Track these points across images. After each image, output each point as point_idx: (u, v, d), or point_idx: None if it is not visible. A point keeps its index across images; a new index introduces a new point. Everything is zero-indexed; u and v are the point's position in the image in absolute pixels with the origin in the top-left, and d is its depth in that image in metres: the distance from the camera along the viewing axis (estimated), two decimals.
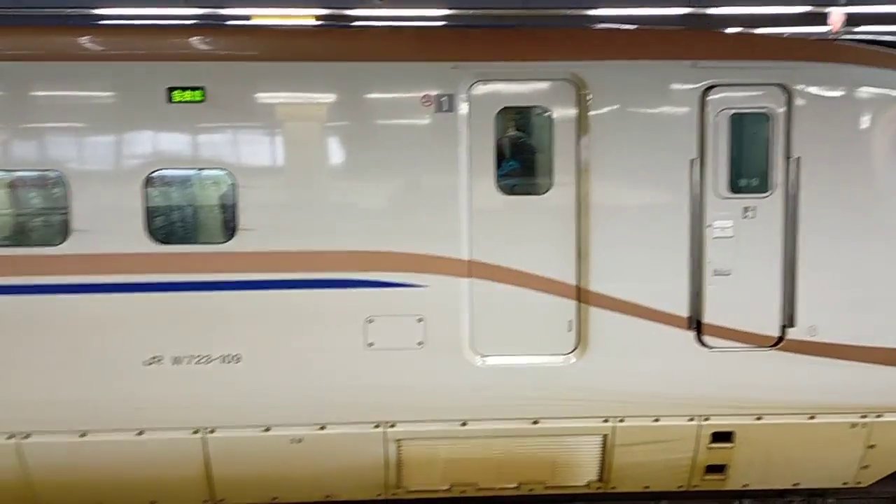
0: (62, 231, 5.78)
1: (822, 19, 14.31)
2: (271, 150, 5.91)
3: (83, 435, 6.04)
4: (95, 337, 5.87)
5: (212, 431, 6.10)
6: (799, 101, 5.92)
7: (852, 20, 13.73)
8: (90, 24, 6.36)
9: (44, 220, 5.96)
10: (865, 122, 6.00)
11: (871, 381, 6.19)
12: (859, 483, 6.68)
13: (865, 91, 6.00)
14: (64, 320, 5.84)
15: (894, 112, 6.02)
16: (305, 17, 11.16)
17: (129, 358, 5.90)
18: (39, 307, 5.81)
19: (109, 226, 5.78)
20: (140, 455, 6.10)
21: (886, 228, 6.05)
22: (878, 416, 6.33)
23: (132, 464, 6.12)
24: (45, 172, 5.84)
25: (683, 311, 6.08)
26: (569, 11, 11.35)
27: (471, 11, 11.11)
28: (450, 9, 11.11)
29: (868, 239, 6.05)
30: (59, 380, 5.91)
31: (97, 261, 5.80)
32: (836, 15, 13.11)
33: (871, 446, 6.43)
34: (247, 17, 11.12)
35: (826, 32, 13.83)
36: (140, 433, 6.06)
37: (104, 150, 5.80)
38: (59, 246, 5.77)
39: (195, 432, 6.10)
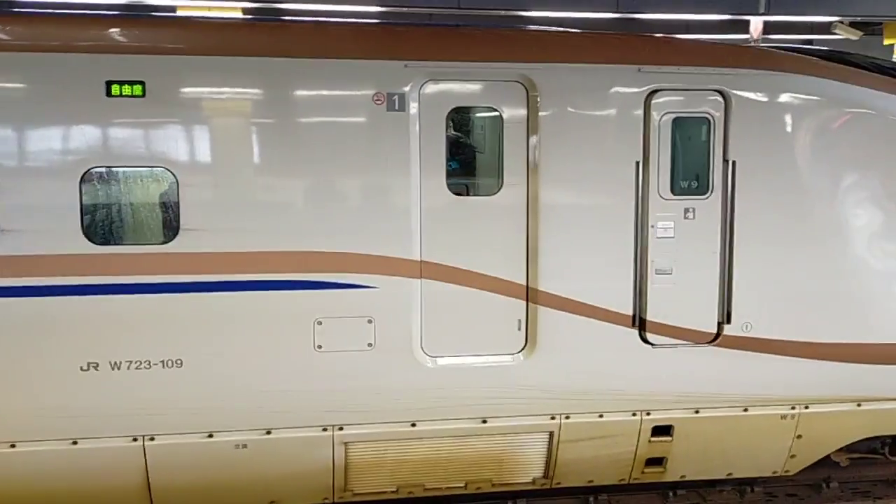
0: None
1: (743, 26, 14.97)
2: (215, 148, 5.72)
3: (12, 446, 5.71)
4: (27, 343, 5.55)
5: (151, 439, 5.87)
6: (735, 107, 6.16)
7: (770, 28, 14.43)
8: (11, 12, 5.96)
9: None
10: (796, 127, 6.28)
11: (800, 374, 6.50)
12: (787, 472, 7.01)
13: (796, 98, 6.28)
14: None
15: (823, 118, 6.33)
16: (233, 9, 10.89)
17: (63, 364, 5.61)
18: None
19: (42, 225, 5.48)
20: (74, 465, 5.81)
21: (815, 229, 6.36)
22: (806, 408, 6.66)
23: (66, 475, 5.82)
24: None
25: (628, 310, 6.23)
26: (501, 12, 11.50)
27: (403, 9, 11.11)
28: (381, 6, 11.06)
29: (798, 239, 6.34)
30: None
31: (28, 262, 5.48)
32: (756, 23, 13.78)
33: (799, 436, 6.75)
34: (172, 9, 10.77)
35: (747, 39, 14.47)
36: (74, 442, 5.78)
37: (37, 146, 5.49)
38: None
39: (133, 440, 5.85)
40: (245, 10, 11.38)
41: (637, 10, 12.39)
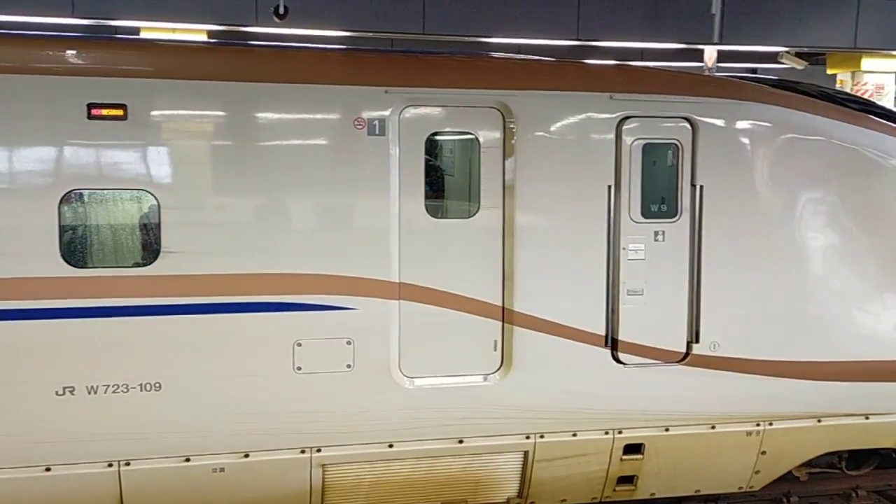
0: None
1: (695, 54, 15.50)
2: (196, 171, 5.73)
3: None
4: (2, 367, 5.45)
5: (127, 464, 5.80)
6: (702, 133, 6.40)
7: (720, 56, 14.97)
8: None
9: None
10: (758, 153, 6.56)
11: (764, 392, 6.73)
12: (752, 487, 7.21)
13: (758, 125, 6.56)
14: None
15: (782, 144, 6.62)
16: (198, 31, 10.88)
17: (38, 389, 5.52)
18: None
19: (19, 248, 5.41)
20: (47, 493, 5.70)
21: (778, 252, 6.62)
22: (770, 424, 6.89)
23: (38, 502, 5.70)
24: None
25: (601, 330, 6.38)
26: (465, 38, 11.73)
27: (368, 34, 11.25)
28: (347, 31, 11.18)
29: (762, 261, 6.59)
30: None
31: (5, 285, 5.40)
32: (711, 52, 14.29)
33: (763, 452, 6.97)
34: (136, 31, 10.71)
35: (701, 67, 14.98)
36: (47, 469, 5.67)
37: (15, 167, 5.43)
38: None
39: (109, 465, 5.77)
40: (210, 34, 11.38)
41: (595, 38, 12.74)
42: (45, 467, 5.66)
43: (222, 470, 5.96)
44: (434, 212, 6.11)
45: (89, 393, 5.59)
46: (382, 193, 5.93)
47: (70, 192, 5.47)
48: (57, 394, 5.55)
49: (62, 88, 5.40)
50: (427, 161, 6.06)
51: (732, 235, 6.52)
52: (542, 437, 6.48)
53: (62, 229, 5.46)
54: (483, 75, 6.12)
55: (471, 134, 6.13)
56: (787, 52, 16.43)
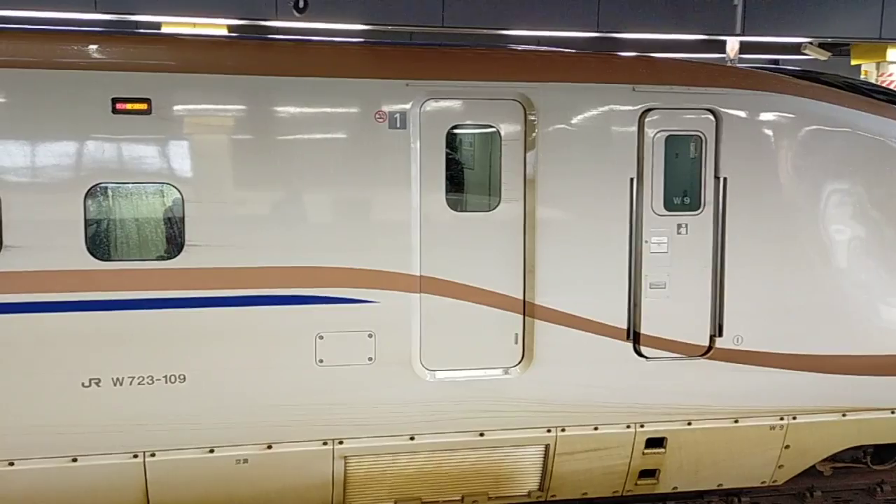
0: None
1: (718, 46, 15.36)
2: (219, 165, 5.77)
3: (11, 464, 5.66)
4: (28, 359, 5.52)
5: (152, 455, 5.86)
6: (726, 125, 6.35)
7: (742, 48, 14.83)
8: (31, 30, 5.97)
9: None
10: (783, 145, 6.49)
11: (788, 386, 6.67)
12: (776, 482, 7.17)
13: (783, 117, 6.49)
14: None
15: (807, 136, 6.55)
16: (218, 25, 10.94)
17: (65, 380, 5.59)
18: None
19: (45, 241, 5.47)
20: (73, 483, 5.77)
21: (803, 244, 6.55)
22: (794, 418, 6.83)
23: (65, 493, 5.78)
24: None
25: (622, 323, 6.36)
26: (484, 31, 11.70)
27: (388, 27, 11.26)
28: (366, 24, 11.19)
29: (786, 253, 6.53)
30: None
31: (32, 278, 5.47)
32: (733, 43, 14.15)
33: (787, 447, 6.91)
34: (157, 25, 10.78)
35: (723, 58, 14.84)
36: (74, 460, 5.74)
37: (41, 162, 5.48)
38: None
39: (134, 456, 5.84)
40: (230, 28, 11.44)
41: (615, 30, 12.65)
42: (71, 458, 5.73)
43: (246, 461, 6.00)
44: (455, 205, 6.10)
45: (115, 384, 5.65)
46: (403, 186, 5.93)
47: (95, 185, 5.52)
48: (83, 385, 5.62)
49: (87, 83, 5.44)
50: (448, 154, 6.05)
51: (756, 228, 6.46)
52: (563, 430, 6.47)
53: (87, 223, 5.52)
54: (504, 68, 6.10)
55: (492, 127, 6.11)
56: (811, 43, 16.22)
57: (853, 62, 17.76)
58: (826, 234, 6.60)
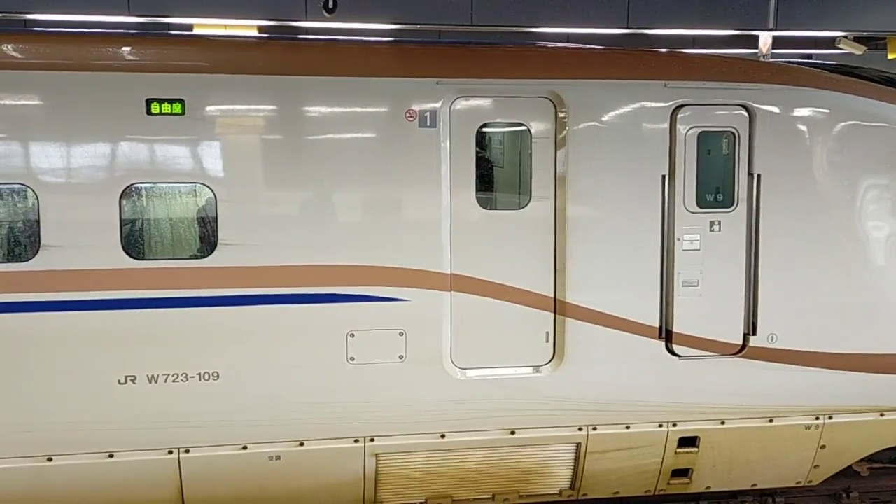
0: (32, 246, 5.53)
1: (749, 41, 15.16)
2: (251, 164, 5.82)
3: (49, 459, 5.77)
4: (65, 356, 5.62)
5: (186, 451, 5.93)
6: (759, 121, 6.27)
7: (775, 43, 14.63)
8: (56, 33, 6.08)
9: (10, 234, 5.68)
10: (818, 141, 6.40)
11: (824, 385, 6.58)
12: (811, 482, 7.07)
13: (818, 112, 6.39)
14: (32, 339, 5.58)
15: (842, 132, 6.44)
16: (249, 27, 11.04)
17: (101, 378, 5.68)
18: (5, 325, 5.53)
19: (82, 241, 5.57)
20: (110, 479, 5.87)
21: (838, 241, 6.45)
22: (830, 418, 6.73)
23: (101, 488, 5.88)
24: (11, 185, 5.56)
25: (654, 322, 6.31)
26: (513, 28, 11.68)
27: (417, 26, 11.29)
28: (395, 24, 11.23)
29: (822, 251, 6.43)
30: (25, 401, 5.63)
31: (69, 277, 5.57)
32: (766, 38, 13.97)
33: (823, 447, 6.82)
34: (189, 27, 10.91)
35: (755, 53, 14.65)
36: (110, 455, 5.84)
37: (77, 162, 5.58)
38: (29, 262, 5.52)
39: (169, 453, 5.92)
40: (260, 29, 11.53)
41: (646, 26, 12.54)
42: (108, 454, 5.83)
43: (278, 458, 6.06)
44: (485, 203, 6.10)
45: (150, 382, 5.73)
46: (434, 185, 5.94)
47: (130, 186, 5.61)
48: (119, 382, 5.71)
49: (122, 85, 5.52)
50: (478, 152, 6.05)
51: (791, 225, 6.38)
52: (594, 429, 6.44)
53: (123, 223, 5.60)
54: (534, 65, 6.08)
55: (522, 124, 6.10)
56: (846, 37, 15.95)
57: (890, 56, 17.41)
58: (862, 230, 6.50)
